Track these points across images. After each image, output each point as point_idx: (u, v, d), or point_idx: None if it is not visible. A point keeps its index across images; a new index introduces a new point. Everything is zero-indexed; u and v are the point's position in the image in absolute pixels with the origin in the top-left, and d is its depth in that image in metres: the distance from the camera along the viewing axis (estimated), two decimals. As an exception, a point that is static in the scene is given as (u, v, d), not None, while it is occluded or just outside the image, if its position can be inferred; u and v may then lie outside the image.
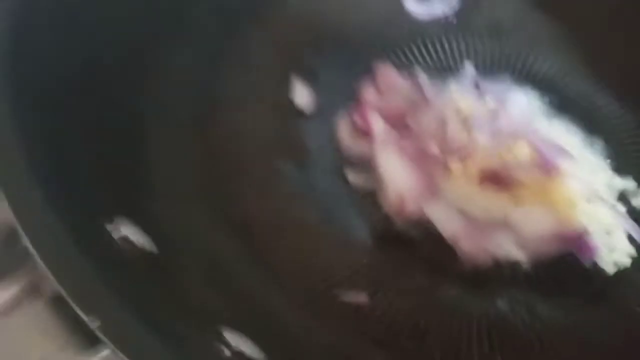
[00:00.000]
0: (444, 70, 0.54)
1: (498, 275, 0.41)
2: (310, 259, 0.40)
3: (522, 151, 0.46)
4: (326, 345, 0.33)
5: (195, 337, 0.24)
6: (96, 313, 0.21)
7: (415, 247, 0.43)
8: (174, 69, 0.43)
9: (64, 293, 0.22)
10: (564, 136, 0.48)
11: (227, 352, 0.25)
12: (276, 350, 0.27)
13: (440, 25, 0.56)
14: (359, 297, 0.38)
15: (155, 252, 0.30)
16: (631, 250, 0.42)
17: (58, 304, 0.26)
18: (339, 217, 0.44)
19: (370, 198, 0.46)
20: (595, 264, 0.41)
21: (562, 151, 0.46)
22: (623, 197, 0.45)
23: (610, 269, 0.41)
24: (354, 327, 0.36)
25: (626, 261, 0.42)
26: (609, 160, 0.47)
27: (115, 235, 0.28)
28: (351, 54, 0.54)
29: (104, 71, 0.36)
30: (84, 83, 0.34)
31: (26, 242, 0.23)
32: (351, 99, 0.52)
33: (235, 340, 0.26)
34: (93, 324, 0.21)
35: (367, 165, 0.47)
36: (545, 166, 0.45)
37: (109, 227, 0.28)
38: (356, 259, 0.41)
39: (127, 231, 0.29)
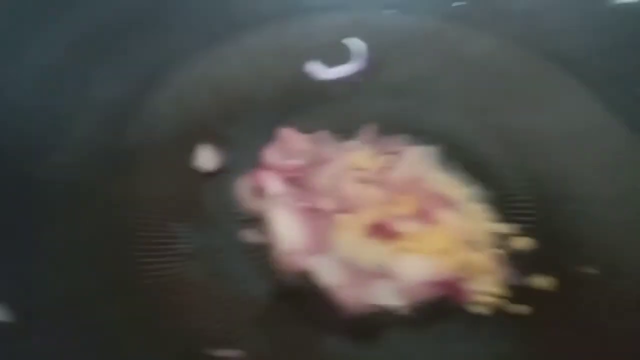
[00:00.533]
0: (346, 130, 0.58)
1: (378, 322, 0.43)
2: (190, 318, 0.41)
3: (408, 204, 0.49)
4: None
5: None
6: None
7: (303, 301, 0.44)
8: (76, 137, 0.46)
9: None
10: (449, 187, 0.52)
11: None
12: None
13: (344, 87, 0.60)
14: (233, 353, 0.39)
15: (11, 321, 0.31)
16: (503, 292, 0.44)
17: None
18: (232, 273, 0.46)
19: (264, 254, 0.48)
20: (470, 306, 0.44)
21: (444, 202, 0.50)
22: (503, 242, 0.48)
23: (483, 310, 0.44)
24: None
25: (498, 302, 0.44)
26: (490, 207, 0.50)
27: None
28: (257, 118, 0.58)
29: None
30: None
31: None
32: (255, 161, 0.55)
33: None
34: None
35: (263, 223, 0.50)
36: (426, 217, 0.48)
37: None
38: (242, 314, 0.43)
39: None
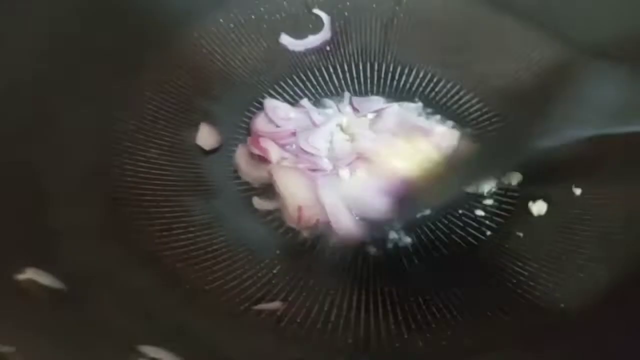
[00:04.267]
0: (325, 94, 0.60)
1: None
2: (223, 280, 0.42)
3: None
4: (248, 346, 0.36)
5: (108, 352, 0.26)
6: (11, 342, 0.23)
7: (316, 253, 0.47)
8: (70, 121, 0.45)
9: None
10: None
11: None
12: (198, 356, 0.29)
13: (316, 55, 0.62)
14: (273, 305, 0.41)
15: (63, 288, 0.31)
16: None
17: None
18: (246, 239, 0.47)
19: (274, 217, 0.49)
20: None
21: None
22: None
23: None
24: (271, 330, 0.39)
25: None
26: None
27: (20, 278, 0.30)
28: (240, 92, 0.58)
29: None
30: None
31: None
32: (246, 133, 0.56)
33: (155, 352, 0.28)
34: (8, 349, 0.22)
35: (268, 188, 0.52)
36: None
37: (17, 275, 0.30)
38: (265, 272, 0.44)
39: (31, 274, 0.31)
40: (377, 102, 0.59)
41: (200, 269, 0.43)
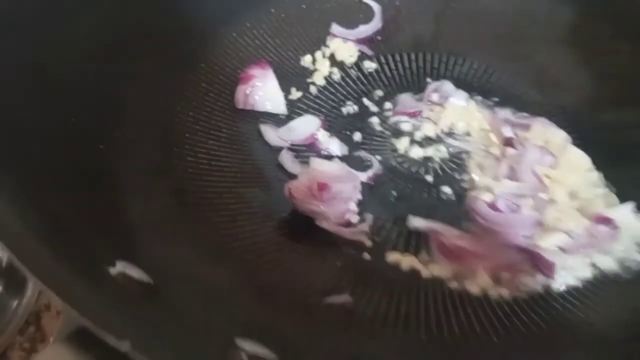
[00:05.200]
0: (377, 86, 0.59)
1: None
2: (290, 273, 0.43)
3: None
4: (324, 341, 0.36)
5: (212, 347, 0.26)
6: (124, 336, 0.23)
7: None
8: (134, 116, 0.45)
9: (89, 324, 0.23)
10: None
11: (244, 357, 0.27)
12: (284, 350, 0.30)
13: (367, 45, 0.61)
14: (342, 298, 0.41)
15: (151, 282, 0.31)
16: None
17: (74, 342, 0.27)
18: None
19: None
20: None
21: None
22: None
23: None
24: (343, 325, 0.39)
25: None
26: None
27: (113, 273, 0.30)
28: (293, 83, 0.58)
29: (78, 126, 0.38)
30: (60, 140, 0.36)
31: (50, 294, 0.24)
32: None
33: (249, 345, 0.28)
34: (124, 345, 0.23)
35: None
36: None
37: (110, 269, 0.30)
38: (329, 265, 0.44)
39: (123, 267, 0.31)
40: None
41: (267, 261, 0.43)
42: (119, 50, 0.48)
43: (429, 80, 0.58)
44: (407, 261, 0.44)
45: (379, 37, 0.62)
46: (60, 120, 0.40)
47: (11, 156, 0.32)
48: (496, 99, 0.56)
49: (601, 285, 0.43)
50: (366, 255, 0.45)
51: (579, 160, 0.50)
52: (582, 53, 0.56)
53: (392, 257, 0.45)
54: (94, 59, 0.44)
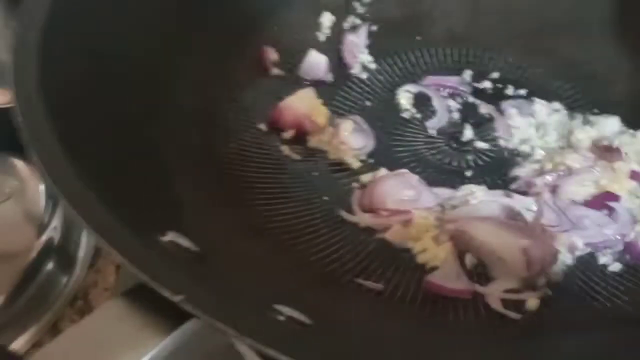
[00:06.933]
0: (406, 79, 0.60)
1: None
2: (324, 252, 0.45)
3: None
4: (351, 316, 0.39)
5: (255, 304, 0.29)
6: (179, 291, 0.26)
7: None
8: (181, 101, 0.49)
9: (148, 279, 0.26)
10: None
11: (282, 317, 0.29)
12: (318, 317, 0.32)
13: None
14: (372, 284, 0.43)
15: (198, 250, 0.34)
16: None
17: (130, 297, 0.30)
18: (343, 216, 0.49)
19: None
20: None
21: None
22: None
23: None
24: (372, 304, 0.42)
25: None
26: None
27: (165, 240, 0.33)
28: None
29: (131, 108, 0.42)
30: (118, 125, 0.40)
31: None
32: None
33: (285, 309, 0.30)
34: (178, 298, 0.25)
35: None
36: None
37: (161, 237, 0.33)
38: (361, 249, 0.46)
39: (173, 237, 0.34)
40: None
41: (303, 241, 0.45)
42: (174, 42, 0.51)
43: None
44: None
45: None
46: (115, 107, 0.43)
47: (77, 139, 0.35)
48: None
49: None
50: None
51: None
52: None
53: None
54: (149, 50, 0.47)
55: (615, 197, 0.47)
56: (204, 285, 0.28)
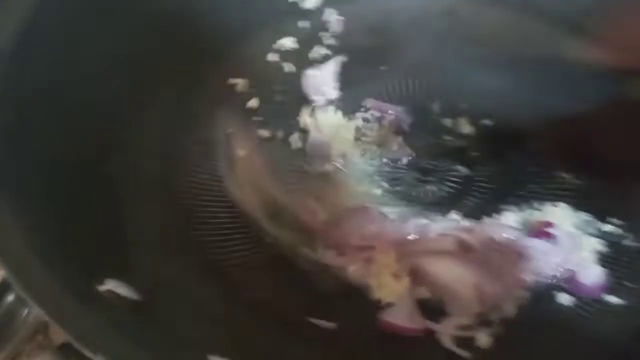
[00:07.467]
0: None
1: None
2: (278, 292, 0.45)
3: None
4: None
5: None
6: (102, 351, 0.26)
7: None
8: (140, 135, 0.49)
9: (69, 337, 0.26)
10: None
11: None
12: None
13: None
14: (324, 323, 0.43)
15: (137, 298, 0.34)
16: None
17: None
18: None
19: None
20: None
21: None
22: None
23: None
24: (324, 347, 0.41)
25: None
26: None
27: (101, 289, 0.33)
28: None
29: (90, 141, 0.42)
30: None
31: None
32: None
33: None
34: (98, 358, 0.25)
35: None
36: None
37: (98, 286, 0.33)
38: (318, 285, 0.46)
39: (112, 286, 0.34)
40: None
41: (256, 280, 0.45)
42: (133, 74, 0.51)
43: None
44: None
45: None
46: (67, 140, 0.43)
47: (15, 174, 0.35)
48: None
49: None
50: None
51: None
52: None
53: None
54: (105, 82, 0.47)
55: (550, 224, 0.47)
56: (132, 341, 0.27)
